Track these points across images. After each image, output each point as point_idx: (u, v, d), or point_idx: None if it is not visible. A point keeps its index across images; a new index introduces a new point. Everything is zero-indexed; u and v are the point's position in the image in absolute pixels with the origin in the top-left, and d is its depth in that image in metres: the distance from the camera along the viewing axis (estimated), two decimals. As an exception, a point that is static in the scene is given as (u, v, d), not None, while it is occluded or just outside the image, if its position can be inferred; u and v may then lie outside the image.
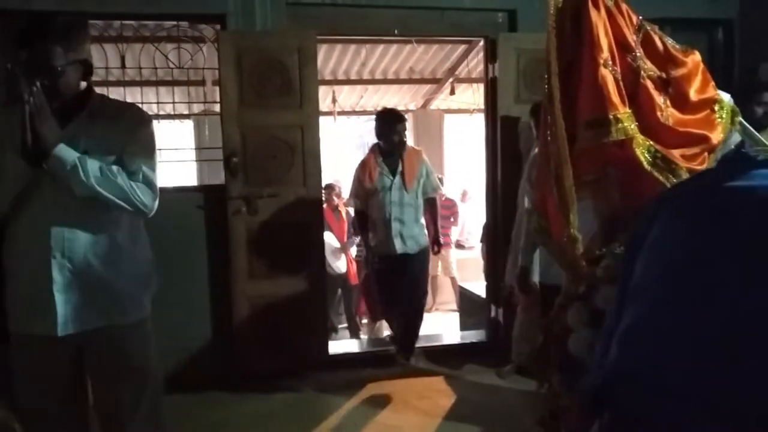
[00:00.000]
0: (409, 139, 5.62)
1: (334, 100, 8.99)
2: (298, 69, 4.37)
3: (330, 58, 7.68)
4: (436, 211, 5.15)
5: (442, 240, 5.39)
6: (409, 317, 4.93)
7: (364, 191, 4.88)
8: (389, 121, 4.77)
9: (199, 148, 6.43)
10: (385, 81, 8.72)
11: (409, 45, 7.44)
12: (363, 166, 4.92)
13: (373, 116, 5.06)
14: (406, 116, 5.21)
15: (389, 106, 9.87)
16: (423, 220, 4.96)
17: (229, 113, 4.35)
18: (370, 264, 5.16)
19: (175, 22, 4.60)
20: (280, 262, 4.45)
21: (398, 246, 4.80)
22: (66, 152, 2.17)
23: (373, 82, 8.70)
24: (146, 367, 2.43)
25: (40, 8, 3.97)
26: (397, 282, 4.85)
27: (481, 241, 6.38)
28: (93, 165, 2.21)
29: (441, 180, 6.96)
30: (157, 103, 6.18)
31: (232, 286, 4.40)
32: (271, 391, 4.26)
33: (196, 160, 5.47)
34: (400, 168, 4.78)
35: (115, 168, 2.26)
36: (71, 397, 2.37)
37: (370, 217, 4.94)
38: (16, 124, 2.12)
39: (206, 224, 4.45)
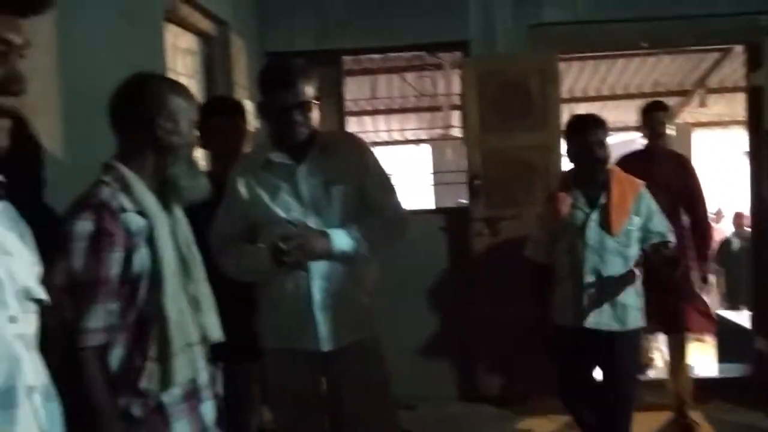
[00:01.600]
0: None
1: (571, 118, 8.79)
2: (540, 90, 4.34)
3: (567, 75, 7.54)
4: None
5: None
6: (610, 406, 3.12)
7: (548, 233, 3.18)
8: (580, 130, 3.04)
9: (437, 171, 6.63)
10: (626, 96, 8.36)
11: (654, 56, 7.06)
12: (549, 199, 3.23)
13: (613, 132, 4.72)
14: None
15: (631, 122, 9.40)
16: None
17: (472, 137, 4.44)
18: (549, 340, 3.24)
19: (418, 53, 4.81)
20: (519, 285, 4.42)
21: (592, 318, 3.00)
22: (343, 243, 2.28)
23: (613, 98, 8.38)
24: (387, 380, 2.51)
25: (303, 48, 4.37)
26: (586, 370, 3.20)
27: (715, 261, 5.77)
28: (359, 234, 2.30)
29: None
30: (401, 130, 6.49)
31: (472, 306, 4.45)
32: (512, 412, 4.24)
33: (435, 184, 5.64)
34: (602, 199, 3.03)
35: (372, 220, 2.36)
36: (321, 411, 2.51)
37: (554, 270, 3.21)
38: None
39: (447, 245, 4.56)
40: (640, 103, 8.75)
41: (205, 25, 3.58)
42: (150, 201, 1.71)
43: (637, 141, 10.27)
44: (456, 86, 5.33)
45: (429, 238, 4.52)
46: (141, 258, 1.67)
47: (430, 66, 5.02)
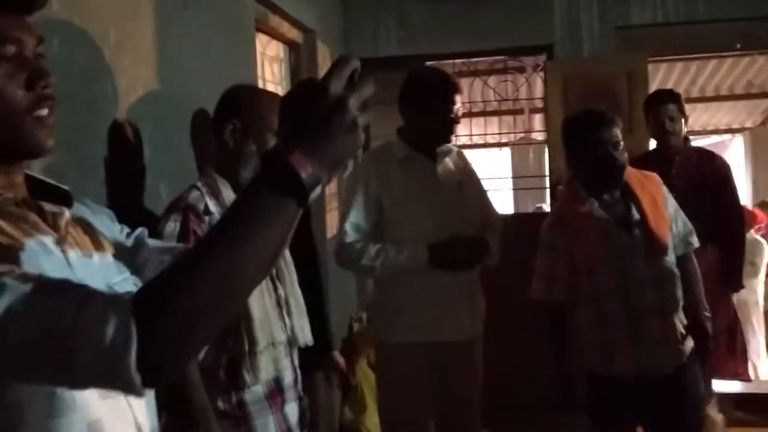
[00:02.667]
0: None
1: (657, 122, 8.53)
2: (627, 94, 4.24)
3: (655, 76, 7.32)
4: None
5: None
6: None
7: (568, 265, 2.41)
8: (591, 127, 2.34)
9: (517, 176, 6.56)
10: (717, 98, 8.04)
11: (748, 57, 6.78)
12: (559, 224, 2.44)
13: (707, 137, 4.53)
14: (737, 135, 4.30)
15: (721, 125, 9.03)
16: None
17: (556, 141, 4.37)
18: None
19: (501, 57, 4.79)
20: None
21: (650, 359, 2.34)
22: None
23: (703, 99, 8.07)
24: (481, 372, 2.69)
25: (386, 54, 4.42)
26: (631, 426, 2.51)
27: None
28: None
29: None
30: (482, 134, 6.45)
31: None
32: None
33: (514, 189, 5.58)
34: (635, 213, 2.35)
35: (493, 229, 2.70)
36: (430, 405, 2.59)
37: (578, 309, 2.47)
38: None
39: (526, 252, 4.50)
40: (733, 105, 8.47)
41: (293, 33, 3.67)
42: None
43: (728, 143, 9.89)
44: (538, 89, 5.27)
45: (507, 245, 4.46)
46: None
47: (512, 69, 4.98)
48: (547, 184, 4.48)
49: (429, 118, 2.49)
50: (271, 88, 3.49)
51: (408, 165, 2.52)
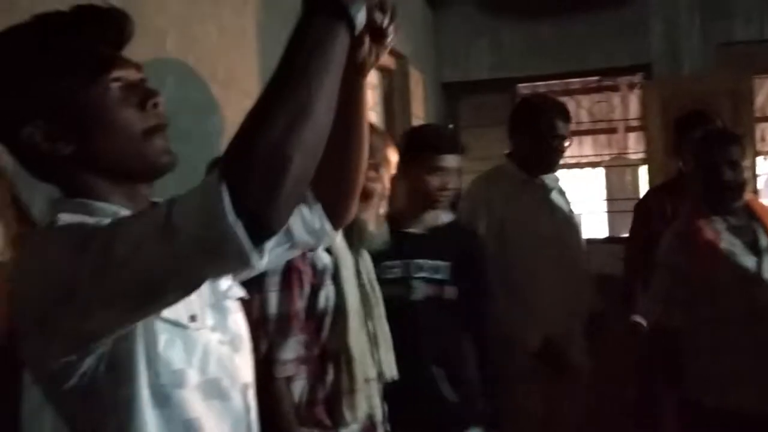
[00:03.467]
0: None
1: (762, 139, 8.12)
2: (732, 112, 4.06)
3: (760, 92, 6.98)
4: None
5: None
6: None
7: (685, 285, 2.30)
8: (716, 143, 2.32)
9: (612, 199, 6.35)
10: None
11: None
12: (680, 243, 2.32)
13: None
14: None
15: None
16: None
17: (655, 162, 4.24)
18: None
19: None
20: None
21: None
22: None
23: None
24: None
25: (478, 77, 4.43)
26: None
27: None
28: None
29: None
30: (578, 156, 6.31)
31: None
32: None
33: (609, 211, 5.42)
34: (763, 237, 2.26)
35: None
36: None
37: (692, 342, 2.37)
38: None
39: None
40: None
41: (386, 60, 3.71)
42: (337, 240, 1.78)
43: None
44: (633, 106, 5.13)
45: (601, 271, 4.33)
46: (326, 295, 1.73)
47: (606, 88, 4.87)
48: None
49: (537, 146, 2.55)
50: (365, 114, 3.54)
51: (525, 189, 2.58)
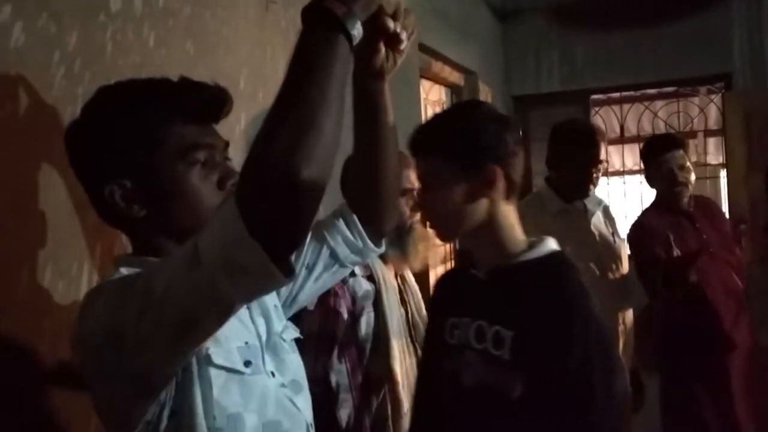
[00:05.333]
0: None
1: None
2: (820, 123, 3.87)
3: None
4: None
5: None
6: None
7: None
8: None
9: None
10: None
11: None
12: None
13: None
14: None
15: None
16: None
17: (736, 177, 4.07)
18: None
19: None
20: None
21: None
22: None
23: None
24: None
25: (549, 90, 4.35)
26: None
27: None
28: None
29: None
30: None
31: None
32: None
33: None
34: None
35: None
36: None
37: None
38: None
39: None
40: None
41: (454, 76, 3.69)
42: (379, 266, 1.78)
43: None
44: (711, 113, 4.95)
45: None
46: (367, 321, 1.72)
47: (683, 96, 4.71)
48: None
49: (577, 174, 2.51)
50: (434, 132, 3.52)
51: (562, 217, 2.51)
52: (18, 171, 1.14)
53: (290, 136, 0.75)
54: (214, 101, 0.98)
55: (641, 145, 2.90)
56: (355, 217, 1.14)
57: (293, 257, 0.83)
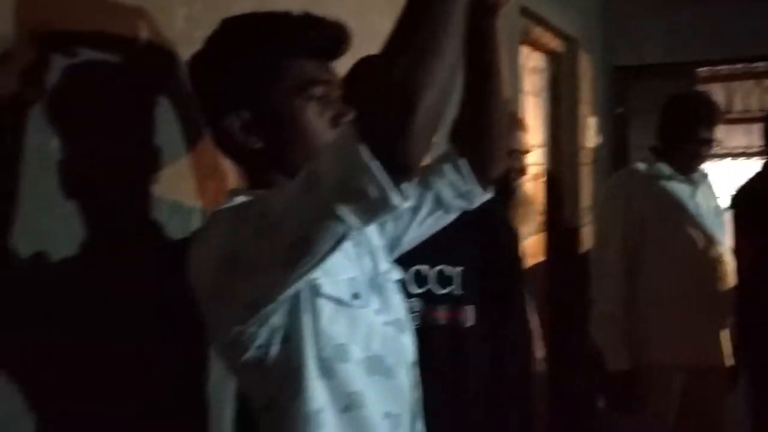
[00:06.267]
0: None
1: None
2: None
3: None
4: None
5: None
6: None
7: None
8: None
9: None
10: None
11: None
12: None
13: None
14: None
15: None
16: None
17: None
18: None
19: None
20: None
21: None
22: None
23: None
24: None
25: (652, 61, 4.20)
26: None
27: None
28: None
29: None
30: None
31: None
32: None
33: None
34: None
35: None
36: None
37: None
38: None
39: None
40: None
41: (555, 43, 3.61)
42: None
43: None
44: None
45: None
46: None
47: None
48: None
49: (687, 147, 2.47)
50: (530, 99, 3.46)
51: (670, 187, 2.46)
52: (134, 107, 1.19)
53: (413, 58, 0.75)
54: (334, 38, 0.99)
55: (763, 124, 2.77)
56: (463, 160, 1.14)
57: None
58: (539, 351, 2.13)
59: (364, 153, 0.74)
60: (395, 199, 0.77)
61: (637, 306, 2.43)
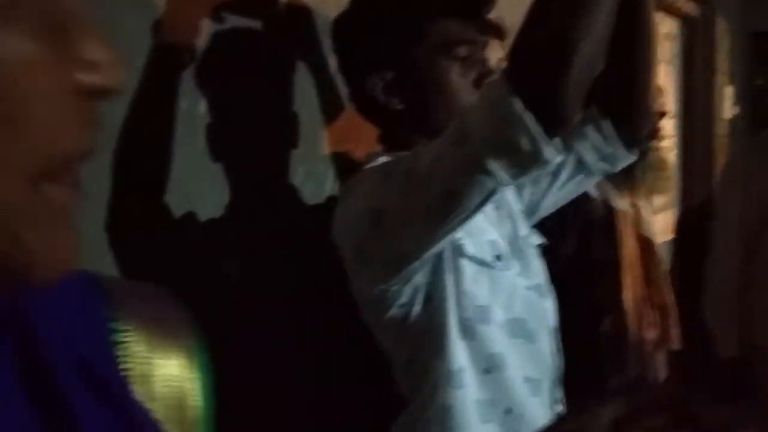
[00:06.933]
0: None
1: None
2: None
3: None
4: None
5: None
6: None
7: None
8: None
9: None
10: None
11: None
12: None
13: None
14: None
15: None
16: None
17: None
18: None
19: None
20: None
21: None
22: None
23: None
24: None
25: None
26: None
27: None
28: None
29: None
30: None
31: None
32: None
33: None
34: None
35: None
36: None
37: None
38: None
39: None
40: None
41: (688, 7, 3.41)
42: (612, 193, 1.70)
43: None
44: None
45: None
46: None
47: None
48: None
49: None
50: (662, 67, 3.29)
51: None
52: (276, 72, 1.21)
53: (570, 8, 0.73)
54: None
55: None
56: (606, 121, 1.09)
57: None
58: (674, 329, 2.04)
59: (517, 105, 0.73)
60: (548, 152, 0.75)
61: (752, 293, 2.26)
